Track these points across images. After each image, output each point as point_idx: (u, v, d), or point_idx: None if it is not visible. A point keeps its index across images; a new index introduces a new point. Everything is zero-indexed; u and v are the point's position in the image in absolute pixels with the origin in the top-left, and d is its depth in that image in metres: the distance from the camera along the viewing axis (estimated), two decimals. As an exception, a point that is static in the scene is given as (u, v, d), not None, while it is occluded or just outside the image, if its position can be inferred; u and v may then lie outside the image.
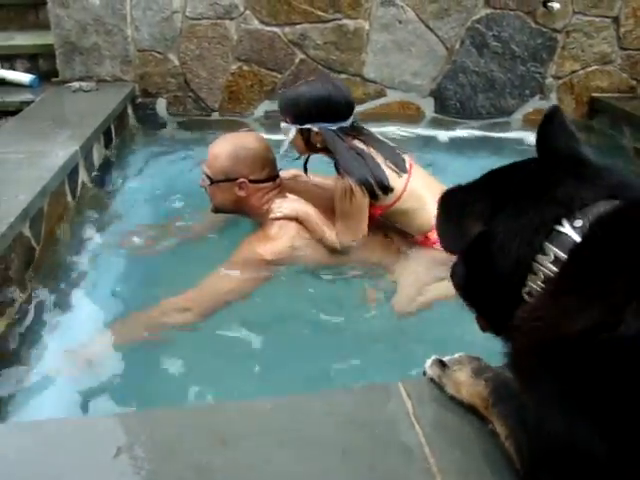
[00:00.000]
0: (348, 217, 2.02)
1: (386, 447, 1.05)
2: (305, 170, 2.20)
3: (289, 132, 1.98)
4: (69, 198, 2.47)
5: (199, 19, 3.13)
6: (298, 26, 3.19)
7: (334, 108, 1.97)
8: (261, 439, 1.04)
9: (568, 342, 0.73)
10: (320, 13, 3.17)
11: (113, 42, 3.15)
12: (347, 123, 1.98)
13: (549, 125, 0.89)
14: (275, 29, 3.19)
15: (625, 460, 0.69)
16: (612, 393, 0.69)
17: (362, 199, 1.97)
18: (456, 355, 1.15)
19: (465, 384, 1.08)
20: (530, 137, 3.45)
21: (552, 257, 0.75)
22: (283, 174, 2.24)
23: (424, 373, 1.17)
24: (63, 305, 2.04)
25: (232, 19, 3.15)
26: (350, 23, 3.21)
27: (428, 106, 3.44)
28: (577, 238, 0.73)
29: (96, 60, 3.18)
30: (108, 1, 3.08)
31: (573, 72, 3.53)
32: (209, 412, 1.17)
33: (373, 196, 1.96)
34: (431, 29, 3.29)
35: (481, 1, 3.28)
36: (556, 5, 3.28)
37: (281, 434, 1.05)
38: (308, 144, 1.99)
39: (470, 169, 2.62)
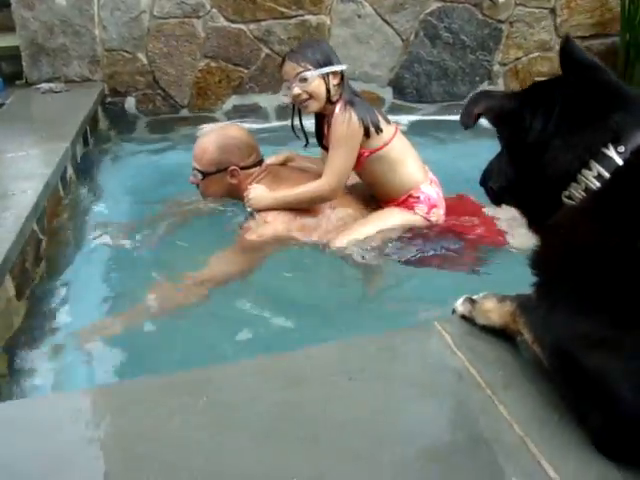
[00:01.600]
0: (341, 147, 2.22)
1: (439, 372, 1.30)
2: (299, 131, 2.46)
3: (314, 77, 2.19)
4: (62, 194, 2.60)
5: (167, 18, 3.30)
6: (263, 23, 3.42)
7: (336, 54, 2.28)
8: (332, 377, 1.25)
9: (605, 248, 0.94)
10: (284, 10, 3.41)
11: (81, 42, 3.27)
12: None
13: (570, 44, 1.11)
14: (241, 26, 3.40)
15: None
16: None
17: (358, 132, 2.19)
18: (481, 294, 1.38)
19: (494, 309, 1.31)
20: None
21: (595, 173, 0.97)
22: (273, 159, 2.45)
23: (453, 312, 1.40)
24: (70, 295, 2.15)
25: (199, 17, 3.33)
26: (312, 19, 3.46)
27: (387, 95, 3.72)
28: (620, 162, 0.95)
29: (63, 61, 3.30)
30: (75, 2, 3.19)
31: (517, 59, 3.91)
32: (280, 359, 1.37)
33: (367, 133, 2.20)
34: (388, 22, 3.58)
35: None
36: (501, -3, 3.63)
37: (349, 371, 1.27)
38: (328, 86, 2.21)
39: (430, 148, 2.89)
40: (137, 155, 3.39)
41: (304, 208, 2.30)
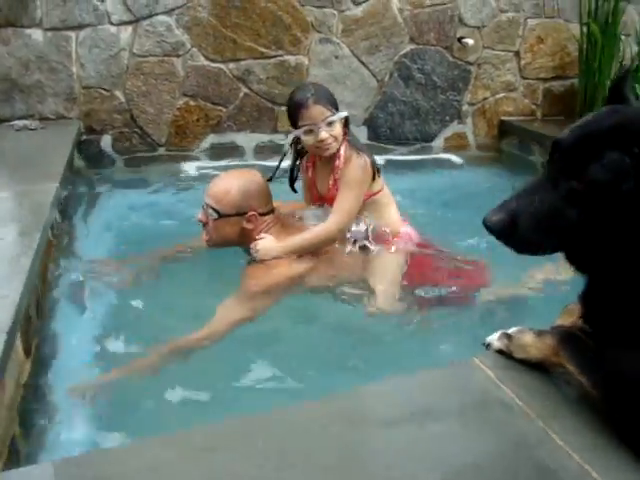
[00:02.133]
0: (354, 189, 2.30)
1: (488, 404, 1.35)
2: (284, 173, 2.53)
3: (340, 120, 2.29)
4: (49, 234, 2.56)
5: (146, 56, 3.32)
6: (243, 62, 3.48)
7: None
8: (386, 416, 1.29)
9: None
10: (264, 50, 3.48)
11: (57, 79, 3.25)
12: None
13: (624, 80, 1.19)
14: (221, 65, 3.45)
15: None
16: None
17: (369, 176, 2.31)
18: (514, 328, 1.43)
19: (532, 343, 1.36)
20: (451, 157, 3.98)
21: None
22: (283, 207, 2.50)
23: (487, 347, 1.46)
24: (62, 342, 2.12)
25: (179, 56, 3.37)
26: (292, 59, 3.55)
27: (362, 134, 3.82)
28: None
29: (38, 98, 3.26)
30: (52, 38, 3.18)
31: (485, 99, 4.10)
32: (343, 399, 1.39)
33: (373, 176, 2.32)
34: (364, 63, 3.71)
35: (407, 38, 3.75)
36: (470, 41, 3.83)
37: (401, 409, 1.31)
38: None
39: (405, 185, 2.94)
40: (114, 194, 3.37)
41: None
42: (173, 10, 3.30)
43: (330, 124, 2.25)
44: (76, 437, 1.71)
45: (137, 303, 2.36)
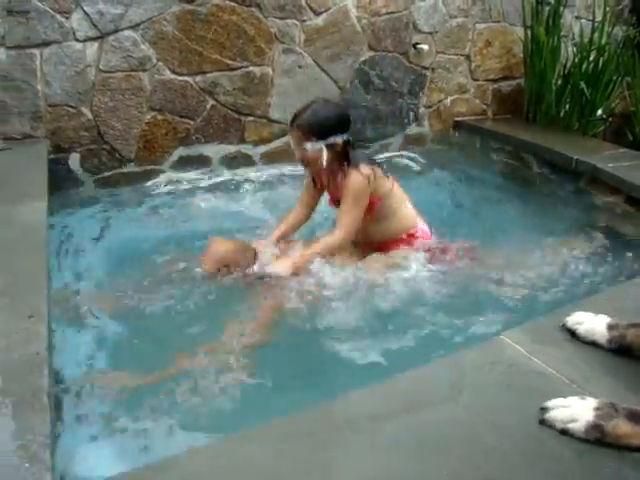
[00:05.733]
0: (356, 204, 2.65)
1: (526, 374, 1.59)
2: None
3: (315, 149, 2.60)
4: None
5: (113, 72, 3.46)
6: (209, 74, 3.67)
7: (347, 121, 2.72)
8: (442, 393, 1.56)
9: None
10: (229, 62, 3.68)
11: (22, 98, 3.33)
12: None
13: None
14: (187, 78, 3.63)
15: None
16: None
17: (367, 189, 2.64)
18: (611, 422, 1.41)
19: (633, 434, 1.36)
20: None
21: None
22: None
23: (564, 432, 1.43)
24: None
25: (145, 70, 3.52)
26: (256, 70, 3.77)
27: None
28: None
29: (2, 117, 3.33)
30: (16, 57, 3.25)
31: (439, 101, 4.47)
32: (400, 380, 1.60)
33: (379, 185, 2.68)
34: (326, 71, 3.96)
35: (365, 46, 4.07)
36: (424, 47, 4.16)
37: (453, 387, 1.57)
38: (332, 152, 2.63)
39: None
40: (84, 214, 3.45)
41: None
42: (138, 25, 3.45)
43: (304, 149, 2.62)
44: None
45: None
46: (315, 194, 2.94)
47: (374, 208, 2.71)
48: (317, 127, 2.59)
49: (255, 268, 2.65)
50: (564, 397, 1.50)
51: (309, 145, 2.59)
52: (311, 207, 2.98)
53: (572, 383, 1.57)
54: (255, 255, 2.71)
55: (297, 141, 2.64)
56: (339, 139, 2.62)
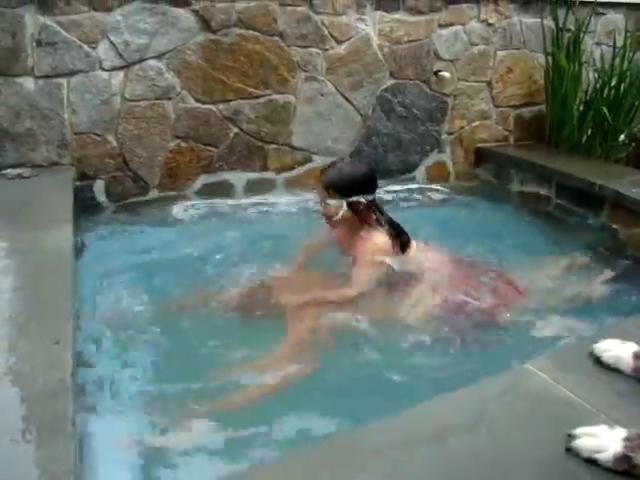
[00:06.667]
0: (368, 266, 2.66)
1: (551, 403, 1.58)
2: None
3: (337, 207, 2.69)
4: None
5: (138, 100, 3.51)
6: (232, 103, 3.71)
7: (373, 182, 2.75)
8: (469, 423, 1.55)
9: None
10: (252, 90, 3.72)
11: (49, 127, 3.40)
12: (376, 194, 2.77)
13: None
14: (211, 106, 3.68)
15: None
16: None
17: (382, 254, 2.66)
18: (614, 436, 1.40)
19: None
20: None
21: None
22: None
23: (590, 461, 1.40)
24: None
25: (170, 99, 3.57)
26: (279, 98, 3.81)
27: (348, 167, 4.05)
28: None
29: (30, 146, 3.40)
30: (44, 86, 3.32)
31: (461, 128, 4.47)
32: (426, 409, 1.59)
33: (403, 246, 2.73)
34: (348, 99, 4.02)
35: (387, 73, 4.09)
36: (446, 74, 4.18)
37: (479, 416, 1.53)
38: (355, 212, 2.69)
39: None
40: (109, 240, 3.48)
41: None
42: (164, 54, 3.51)
43: (326, 203, 2.72)
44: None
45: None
46: (324, 246, 3.05)
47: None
48: (340, 184, 2.68)
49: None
50: (590, 424, 1.47)
51: (330, 201, 2.69)
52: (318, 250, 3.08)
53: (599, 412, 1.55)
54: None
55: (320, 196, 2.74)
56: (362, 199, 2.68)
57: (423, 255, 2.80)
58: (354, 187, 2.68)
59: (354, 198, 2.67)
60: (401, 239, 2.74)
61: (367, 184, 2.73)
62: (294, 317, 2.55)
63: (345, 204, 2.67)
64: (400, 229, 2.78)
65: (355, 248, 2.74)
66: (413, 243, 2.80)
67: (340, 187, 2.68)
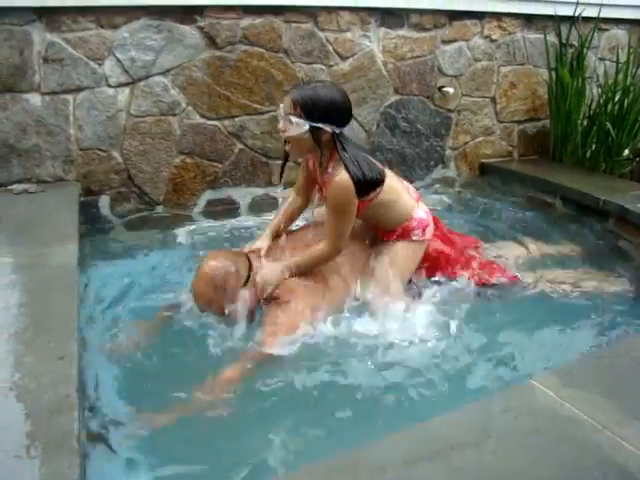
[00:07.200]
0: (340, 213, 2.52)
1: (556, 420, 1.57)
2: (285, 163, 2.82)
3: (299, 126, 2.44)
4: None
5: (143, 116, 3.53)
6: (237, 118, 3.74)
7: (346, 114, 2.55)
8: (475, 439, 1.54)
9: None
10: (257, 106, 3.75)
11: (55, 142, 3.42)
12: (345, 128, 2.55)
13: None
14: (216, 122, 3.70)
15: None
16: None
17: (353, 198, 2.48)
18: None
19: None
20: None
21: None
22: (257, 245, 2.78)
23: None
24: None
25: (175, 115, 3.59)
26: (284, 113, 3.79)
27: (352, 182, 4.07)
28: None
29: (36, 161, 3.42)
30: (50, 102, 3.34)
31: (465, 143, 4.49)
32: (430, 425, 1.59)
33: (370, 189, 2.53)
34: (352, 115, 3.96)
35: (391, 89, 4.11)
36: (450, 90, 4.20)
37: (488, 429, 1.52)
38: (315, 140, 2.47)
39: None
40: (113, 255, 3.49)
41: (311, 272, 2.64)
42: (169, 71, 3.54)
43: (289, 122, 2.45)
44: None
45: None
46: (311, 181, 2.84)
47: (363, 209, 2.60)
48: (309, 104, 2.42)
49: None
50: (596, 443, 1.47)
51: (293, 119, 2.43)
52: (308, 192, 2.92)
53: (604, 429, 1.55)
54: (250, 266, 2.58)
55: (286, 109, 2.48)
56: (327, 128, 2.44)
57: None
58: (322, 112, 2.42)
59: (319, 124, 2.43)
60: (370, 179, 2.50)
61: (338, 114, 2.49)
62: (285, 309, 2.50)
63: (307, 126, 2.42)
64: (372, 169, 2.54)
65: (324, 182, 2.61)
66: (389, 179, 2.65)
67: (308, 106, 2.41)
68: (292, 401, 2.21)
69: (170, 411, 2.15)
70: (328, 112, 2.45)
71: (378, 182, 2.56)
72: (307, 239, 2.77)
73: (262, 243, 2.78)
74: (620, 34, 4.90)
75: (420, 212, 2.80)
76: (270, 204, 3.97)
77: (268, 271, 2.57)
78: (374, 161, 2.61)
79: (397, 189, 2.73)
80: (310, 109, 2.42)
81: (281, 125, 2.50)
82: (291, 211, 2.93)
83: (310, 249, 2.63)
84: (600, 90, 4.54)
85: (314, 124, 2.43)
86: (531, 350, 2.43)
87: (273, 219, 2.94)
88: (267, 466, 1.93)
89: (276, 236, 2.83)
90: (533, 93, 4.64)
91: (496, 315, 2.68)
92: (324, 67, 3.89)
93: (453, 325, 2.51)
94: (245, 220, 3.91)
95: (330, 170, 2.53)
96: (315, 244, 2.64)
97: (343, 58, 3.94)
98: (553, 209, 4.07)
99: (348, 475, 1.42)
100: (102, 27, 3.37)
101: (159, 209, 3.75)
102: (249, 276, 2.54)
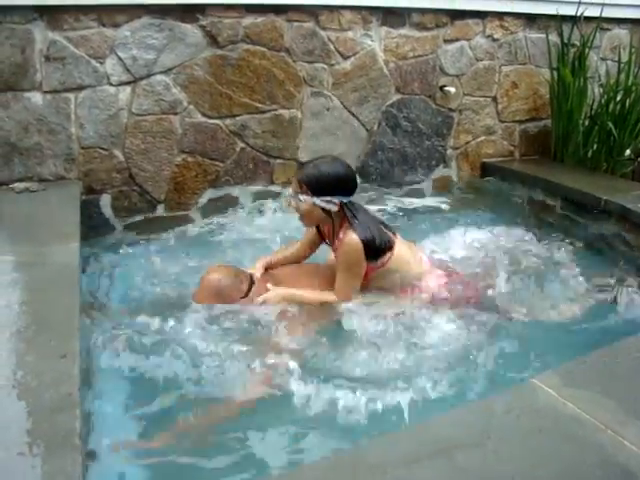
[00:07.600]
0: (349, 271, 2.66)
1: (558, 419, 1.58)
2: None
3: (308, 203, 2.62)
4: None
5: (145, 115, 3.54)
6: (238, 117, 3.74)
7: (350, 185, 2.69)
8: (476, 439, 1.54)
9: None
10: (258, 105, 3.75)
11: (56, 141, 3.42)
12: (352, 197, 2.69)
13: None
14: (217, 121, 3.70)
15: None
16: None
17: (362, 257, 2.61)
18: None
19: None
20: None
21: None
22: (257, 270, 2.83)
23: None
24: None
25: (176, 114, 3.60)
26: (286, 113, 3.85)
27: (354, 182, 4.07)
28: None
29: (37, 160, 3.42)
30: (52, 101, 3.35)
31: (467, 143, 4.50)
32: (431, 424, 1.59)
33: (379, 254, 2.64)
34: (354, 114, 4.05)
35: (393, 88, 4.11)
36: (451, 89, 4.21)
37: (487, 432, 1.52)
38: (325, 211, 2.65)
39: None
40: (115, 253, 3.49)
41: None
42: (171, 69, 3.54)
43: (299, 200, 2.64)
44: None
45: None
46: (318, 240, 2.95)
47: (371, 274, 2.70)
48: (314, 182, 2.60)
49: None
50: (597, 443, 1.48)
51: (301, 197, 2.62)
52: (313, 247, 3.00)
53: (607, 428, 1.55)
54: (251, 282, 2.69)
55: (294, 190, 2.68)
56: (336, 200, 2.61)
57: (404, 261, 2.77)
58: (327, 187, 2.60)
59: (326, 198, 2.60)
60: (379, 245, 2.64)
61: (342, 186, 2.63)
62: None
63: (315, 202, 2.61)
64: (382, 236, 2.67)
65: (335, 247, 2.73)
66: (399, 248, 2.73)
67: (312, 185, 2.60)
68: (292, 401, 2.21)
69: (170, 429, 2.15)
70: (333, 186, 2.61)
71: (386, 248, 2.67)
72: (304, 268, 2.92)
73: (255, 271, 2.84)
74: (622, 34, 4.90)
75: (430, 281, 2.83)
76: (271, 202, 3.97)
77: (272, 293, 2.68)
78: (385, 230, 2.73)
79: (406, 259, 2.78)
80: (315, 186, 2.60)
81: (292, 203, 2.69)
82: (289, 254, 2.98)
83: (320, 294, 2.72)
84: (602, 90, 4.54)
85: (322, 199, 2.60)
86: (532, 350, 2.43)
87: (271, 254, 3.02)
88: (267, 466, 1.94)
89: (267, 268, 2.89)
90: (535, 93, 4.64)
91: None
92: (326, 66, 3.89)
93: (453, 325, 2.51)
94: (246, 218, 3.91)
95: (341, 236, 2.66)
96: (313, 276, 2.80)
97: (345, 57, 3.94)
98: (554, 209, 4.07)
99: (348, 475, 1.42)
100: (104, 25, 3.37)
101: (160, 208, 3.75)
102: (249, 290, 2.66)
